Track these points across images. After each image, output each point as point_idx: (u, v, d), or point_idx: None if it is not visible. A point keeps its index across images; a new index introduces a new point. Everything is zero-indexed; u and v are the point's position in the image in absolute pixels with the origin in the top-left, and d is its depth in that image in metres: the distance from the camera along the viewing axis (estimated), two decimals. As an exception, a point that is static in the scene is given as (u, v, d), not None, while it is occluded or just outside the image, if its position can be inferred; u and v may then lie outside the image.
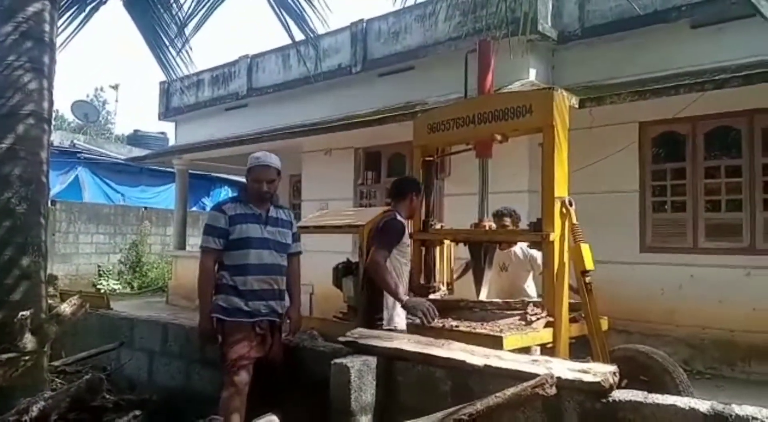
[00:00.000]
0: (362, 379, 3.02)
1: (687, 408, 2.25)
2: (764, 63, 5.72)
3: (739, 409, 2.16)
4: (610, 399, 2.42)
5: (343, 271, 5.29)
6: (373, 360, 3.10)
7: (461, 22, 7.22)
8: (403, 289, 3.69)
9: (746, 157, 6.45)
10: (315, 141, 9.60)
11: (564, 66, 7.75)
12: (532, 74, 7.49)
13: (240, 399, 3.06)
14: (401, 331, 3.69)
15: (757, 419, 2.10)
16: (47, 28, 3.35)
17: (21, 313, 2.68)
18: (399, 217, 3.90)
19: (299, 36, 5.32)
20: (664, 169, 7.08)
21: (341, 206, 8.49)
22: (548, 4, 7.59)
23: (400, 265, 3.86)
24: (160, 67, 5.56)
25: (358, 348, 3.22)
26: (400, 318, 3.78)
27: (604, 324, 4.13)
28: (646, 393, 2.44)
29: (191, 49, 5.42)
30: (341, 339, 3.30)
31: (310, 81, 9.72)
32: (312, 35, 5.31)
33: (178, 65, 5.51)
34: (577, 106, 6.21)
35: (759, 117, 6.27)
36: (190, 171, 13.20)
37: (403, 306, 3.62)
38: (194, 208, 16.18)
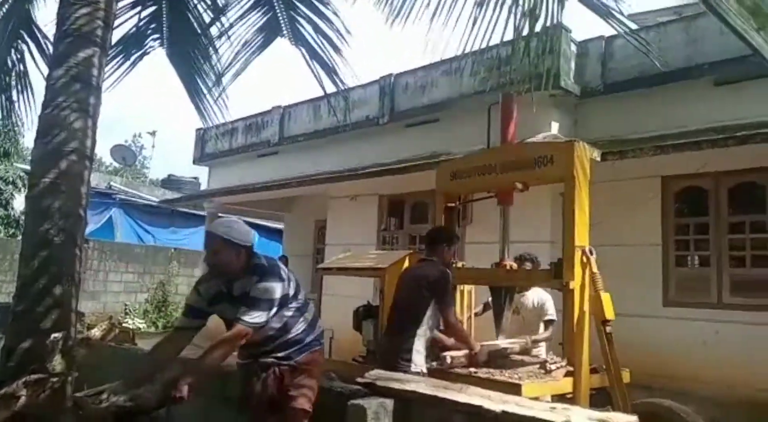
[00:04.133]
0: (378, 421, 3.04)
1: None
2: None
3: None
4: (630, 448, 2.40)
5: (363, 314, 5.34)
6: (389, 403, 3.11)
7: (486, 77, 7.41)
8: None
9: (772, 213, 6.40)
10: (341, 187, 9.80)
11: (587, 120, 7.87)
12: (555, 128, 7.62)
13: None
14: (424, 374, 3.72)
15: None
16: (95, 72, 3.56)
17: (53, 335, 2.78)
18: (445, 269, 3.98)
19: (330, 88, 5.55)
20: (688, 223, 7.05)
21: (364, 250, 8.57)
22: (571, 61, 7.79)
23: (435, 322, 3.92)
24: (198, 114, 5.82)
25: (375, 390, 3.23)
26: (423, 362, 3.85)
27: (626, 376, 4.08)
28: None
29: (227, 97, 5.69)
30: (359, 380, 3.32)
31: (340, 131, 10.02)
32: (342, 87, 5.54)
33: (214, 113, 5.76)
34: (599, 158, 6.23)
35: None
36: (220, 214, 13.46)
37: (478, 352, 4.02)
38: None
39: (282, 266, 3.18)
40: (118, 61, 5.49)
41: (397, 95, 9.68)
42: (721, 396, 6.24)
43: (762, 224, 6.47)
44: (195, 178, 21.78)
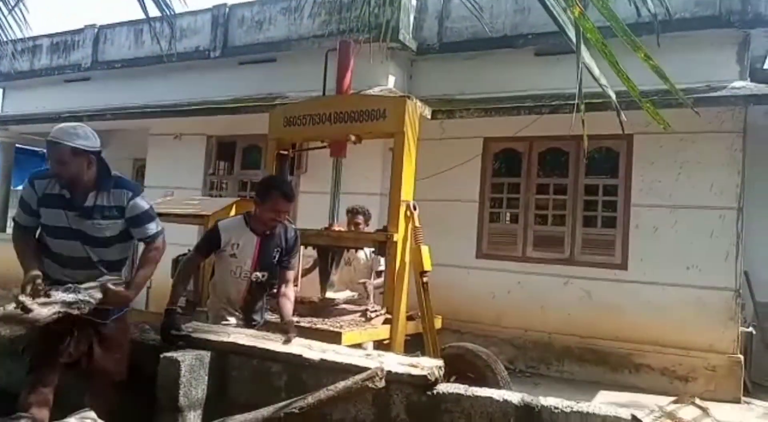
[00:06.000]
0: (193, 374, 2.91)
1: (501, 399, 2.46)
2: (593, 94, 6.40)
3: (544, 400, 2.41)
4: (435, 392, 2.56)
5: (183, 263, 5.05)
6: (206, 355, 3.00)
7: (326, 21, 7.24)
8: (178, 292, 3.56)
9: (572, 177, 7.17)
10: (164, 124, 9.08)
11: (421, 77, 8.07)
12: (391, 81, 7.71)
13: (42, 396, 2.76)
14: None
15: (558, 408, 2.35)
16: None
17: None
18: (224, 223, 3.61)
19: (154, 12, 4.99)
20: (502, 182, 7.65)
21: (189, 195, 8.09)
22: (410, 15, 7.86)
23: (221, 273, 3.61)
24: (-12, 25, 4.93)
25: (191, 343, 3.14)
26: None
27: (438, 323, 4.38)
28: (467, 386, 2.62)
29: (27, 10, 4.87)
30: (174, 333, 3.17)
31: (165, 60, 9.18)
32: (168, 12, 5.01)
33: (9, 26, 4.93)
34: (429, 116, 6.51)
35: (584, 142, 7.01)
36: (18, 145, 11.86)
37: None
38: (20, 187, 14.48)
39: None
40: None
41: (232, 28, 9.08)
42: (519, 339, 7.05)
43: (563, 187, 7.23)
44: (-14, 100, 18.80)
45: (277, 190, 3.44)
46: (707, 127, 6.17)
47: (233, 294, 3.57)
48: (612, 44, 1.76)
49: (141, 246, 3.14)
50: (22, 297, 2.54)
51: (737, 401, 5.96)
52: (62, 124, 2.84)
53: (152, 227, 3.02)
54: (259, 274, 3.52)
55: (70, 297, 2.68)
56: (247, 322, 3.58)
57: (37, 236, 3.00)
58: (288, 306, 3.47)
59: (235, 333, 3.24)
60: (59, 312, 2.63)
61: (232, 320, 3.58)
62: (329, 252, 4.66)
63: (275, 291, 3.59)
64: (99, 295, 2.81)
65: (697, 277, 6.38)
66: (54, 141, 2.77)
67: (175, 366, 2.85)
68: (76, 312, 2.70)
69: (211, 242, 3.56)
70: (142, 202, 2.97)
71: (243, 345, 3.08)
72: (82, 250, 2.90)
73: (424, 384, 2.53)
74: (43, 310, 2.56)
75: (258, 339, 3.15)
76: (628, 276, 6.71)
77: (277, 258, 3.54)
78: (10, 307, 2.52)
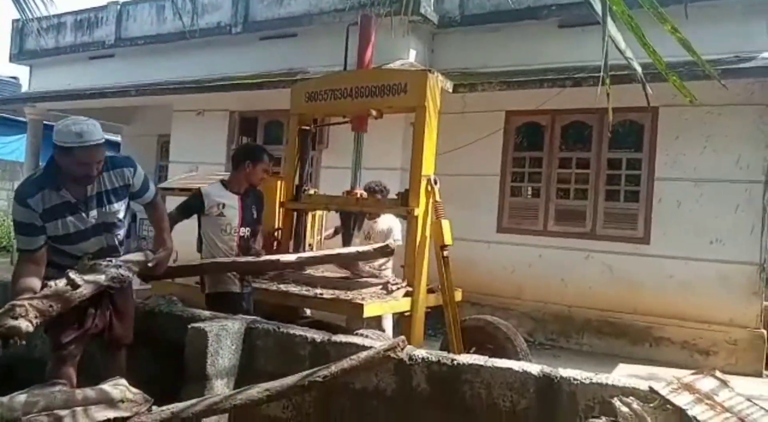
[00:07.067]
0: (220, 343, 3.01)
1: (521, 370, 2.51)
2: (618, 66, 6.28)
3: (563, 372, 2.45)
4: (455, 362, 2.62)
5: (208, 237, 5.17)
6: (231, 325, 3.10)
7: (347, -7, 7.20)
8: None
9: (594, 151, 7.10)
10: (188, 100, 9.16)
11: (442, 50, 7.98)
12: (412, 55, 7.65)
13: (69, 368, 2.84)
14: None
15: (577, 380, 2.39)
16: None
17: None
18: (206, 188, 4.03)
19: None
20: (524, 156, 7.60)
21: (212, 170, 8.20)
22: (431, -13, 7.76)
23: (212, 234, 3.92)
24: (14, 2, 5.00)
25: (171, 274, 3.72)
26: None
27: (458, 296, 4.42)
28: (486, 357, 2.68)
29: (51, -14, 4.92)
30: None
31: (187, 37, 9.21)
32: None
33: (35, 3, 4.99)
34: (450, 90, 6.47)
35: (608, 116, 6.91)
36: (46, 122, 12.06)
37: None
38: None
39: None
40: None
41: (253, 3, 9.05)
42: (539, 312, 7.08)
43: (586, 160, 7.16)
44: (14, 77, 19.06)
45: (265, 153, 4.10)
46: (735, 99, 6.05)
47: (226, 250, 3.90)
48: (638, 15, 1.74)
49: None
50: (71, 274, 2.61)
51: (759, 375, 5.95)
52: (69, 123, 2.68)
53: (152, 189, 3.16)
54: (244, 229, 3.95)
55: (112, 272, 2.77)
56: (241, 279, 3.94)
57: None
58: (259, 243, 4.14)
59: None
60: (100, 286, 2.72)
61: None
62: (351, 216, 4.75)
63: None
64: (136, 268, 2.92)
65: (721, 251, 6.32)
66: (92, 144, 2.66)
67: (201, 336, 2.95)
68: (117, 285, 2.81)
69: (192, 206, 3.98)
70: (141, 172, 3.07)
71: (223, 263, 3.72)
72: (103, 241, 2.93)
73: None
74: (89, 286, 2.65)
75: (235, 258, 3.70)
76: (650, 250, 6.67)
77: (255, 215, 4.01)
78: (61, 284, 2.59)
